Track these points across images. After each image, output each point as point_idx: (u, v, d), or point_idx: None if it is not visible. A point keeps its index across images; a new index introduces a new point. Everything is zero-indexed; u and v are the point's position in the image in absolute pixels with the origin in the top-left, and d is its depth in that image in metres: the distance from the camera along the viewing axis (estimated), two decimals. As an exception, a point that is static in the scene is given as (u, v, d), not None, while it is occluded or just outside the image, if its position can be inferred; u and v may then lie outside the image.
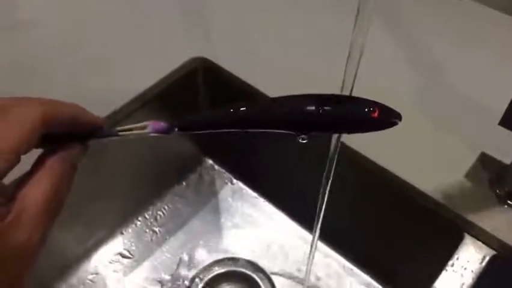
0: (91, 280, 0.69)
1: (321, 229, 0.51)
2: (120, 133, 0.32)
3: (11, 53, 0.66)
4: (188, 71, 0.66)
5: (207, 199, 0.77)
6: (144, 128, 0.32)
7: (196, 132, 0.33)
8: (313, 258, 0.56)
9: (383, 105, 0.33)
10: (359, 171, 0.57)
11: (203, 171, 0.80)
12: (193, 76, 0.67)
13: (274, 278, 0.69)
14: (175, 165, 0.78)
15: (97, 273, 0.69)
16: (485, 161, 0.55)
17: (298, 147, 0.35)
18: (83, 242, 0.69)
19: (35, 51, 0.66)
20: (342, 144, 0.40)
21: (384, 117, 0.32)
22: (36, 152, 0.29)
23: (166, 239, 0.73)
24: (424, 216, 0.55)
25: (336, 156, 0.40)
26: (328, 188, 0.43)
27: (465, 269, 0.50)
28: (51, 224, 0.28)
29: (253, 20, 0.71)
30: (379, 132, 0.33)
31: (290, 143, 0.34)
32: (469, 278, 0.49)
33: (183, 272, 0.70)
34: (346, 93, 0.35)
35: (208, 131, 0.33)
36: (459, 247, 0.51)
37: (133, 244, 0.72)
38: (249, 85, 0.62)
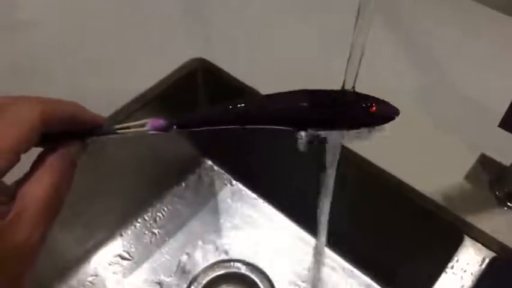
0: (90, 282, 0.68)
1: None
2: (119, 131, 0.32)
3: (11, 53, 0.66)
4: (188, 71, 0.66)
5: (206, 200, 0.77)
6: (143, 125, 0.32)
7: (194, 129, 0.33)
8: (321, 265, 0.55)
9: (380, 99, 0.33)
10: (358, 172, 0.57)
11: (202, 172, 0.80)
12: (193, 77, 0.67)
13: (273, 279, 0.69)
14: (175, 167, 0.77)
15: (96, 275, 0.69)
16: (485, 162, 0.55)
17: (298, 148, 0.35)
18: (83, 243, 0.69)
19: (35, 52, 0.66)
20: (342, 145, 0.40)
21: (382, 111, 0.33)
22: (36, 151, 0.29)
23: (165, 240, 0.73)
24: (424, 218, 0.55)
25: (337, 158, 0.40)
26: (331, 195, 0.43)
27: (465, 271, 0.50)
28: (52, 222, 0.28)
29: (253, 21, 0.71)
30: (378, 133, 0.33)
31: (290, 144, 0.34)
32: (469, 280, 0.49)
33: (183, 273, 0.69)
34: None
35: (206, 128, 0.33)
36: (459, 249, 0.51)
37: (132, 246, 0.72)
38: (248, 86, 0.62)
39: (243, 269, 0.70)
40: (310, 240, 0.72)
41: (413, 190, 0.53)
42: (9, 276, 0.26)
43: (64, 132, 0.30)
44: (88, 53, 0.66)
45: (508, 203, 0.51)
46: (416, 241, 0.59)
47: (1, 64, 0.64)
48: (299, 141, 0.34)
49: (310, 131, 0.34)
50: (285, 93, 0.33)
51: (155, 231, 0.74)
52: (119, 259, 0.71)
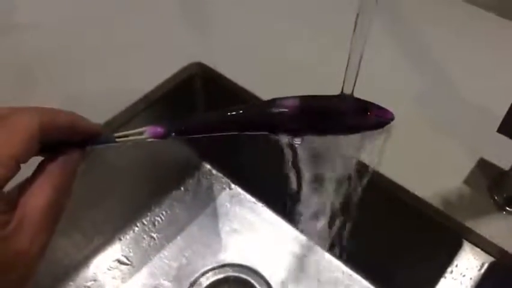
0: (89, 287, 0.68)
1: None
2: (118, 139, 0.32)
3: (11, 55, 0.66)
4: (186, 76, 0.66)
5: (205, 204, 0.77)
6: (141, 133, 0.32)
7: (192, 136, 0.33)
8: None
9: (375, 104, 0.33)
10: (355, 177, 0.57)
11: (201, 176, 0.80)
12: (191, 82, 0.67)
13: (272, 283, 0.69)
14: (173, 171, 0.77)
15: (95, 280, 0.69)
16: (484, 166, 0.55)
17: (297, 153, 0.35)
18: (82, 248, 0.69)
19: (35, 54, 0.66)
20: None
21: (378, 116, 0.33)
22: (36, 161, 0.29)
23: (164, 245, 0.73)
24: (422, 222, 0.55)
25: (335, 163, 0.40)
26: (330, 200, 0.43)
27: (464, 276, 0.50)
28: (53, 230, 0.28)
29: (252, 25, 0.71)
30: (376, 137, 0.33)
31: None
32: (468, 285, 0.49)
33: (182, 278, 0.69)
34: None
35: (204, 135, 0.33)
36: (458, 254, 0.51)
37: (131, 250, 0.72)
38: (247, 91, 0.62)
39: (242, 273, 0.70)
40: (309, 244, 0.72)
41: (411, 195, 0.53)
42: (12, 284, 0.26)
43: (63, 141, 0.30)
44: (86, 58, 0.66)
45: (507, 208, 0.51)
46: (415, 246, 0.59)
47: (1, 66, 0.64)
48: (296, 146, 0.34)
49: (306, 137, 0.34)
50: (282, 98, 0.33)
51: (154, 235, 0.73)
52: (118, 264, 0.71)
